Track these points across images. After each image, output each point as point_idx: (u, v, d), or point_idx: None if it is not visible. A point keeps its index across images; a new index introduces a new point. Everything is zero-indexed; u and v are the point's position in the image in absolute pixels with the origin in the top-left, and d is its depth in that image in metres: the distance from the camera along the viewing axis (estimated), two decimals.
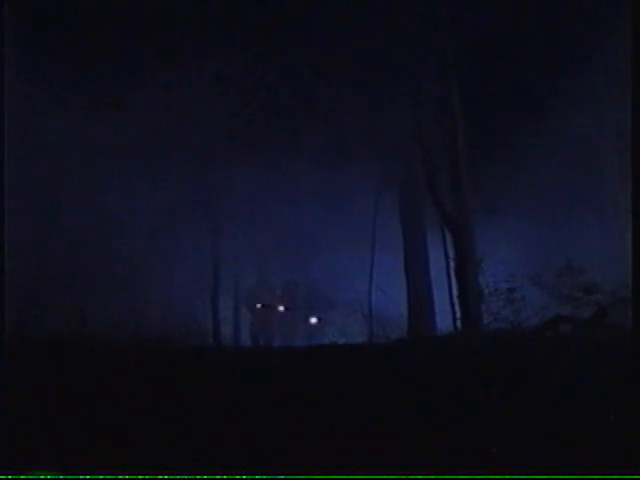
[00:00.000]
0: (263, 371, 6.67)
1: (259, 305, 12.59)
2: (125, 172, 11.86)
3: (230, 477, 4.13)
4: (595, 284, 10.21)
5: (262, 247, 12.69)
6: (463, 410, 5.05)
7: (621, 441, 4.39)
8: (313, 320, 12.28)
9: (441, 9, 10.40)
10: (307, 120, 12.28)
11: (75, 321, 10.56)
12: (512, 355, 6.66)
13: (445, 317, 11.72)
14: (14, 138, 7.22)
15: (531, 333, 8.33)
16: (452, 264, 10.73)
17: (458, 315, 10.70)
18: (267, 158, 12.48)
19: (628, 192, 5.90)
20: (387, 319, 12.70)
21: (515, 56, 11.09)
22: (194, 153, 12.47)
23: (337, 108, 12.15)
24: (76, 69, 11.20)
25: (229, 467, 4.21)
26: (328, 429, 4.81)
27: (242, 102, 12.12)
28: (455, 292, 10.75)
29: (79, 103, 11.11)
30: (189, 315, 12.26)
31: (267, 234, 12.75)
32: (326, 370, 6.51)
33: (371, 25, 10.89)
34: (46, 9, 11.17)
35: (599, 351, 6.33)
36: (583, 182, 11.89)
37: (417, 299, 12.03)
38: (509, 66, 11.23)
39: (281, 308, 12.51)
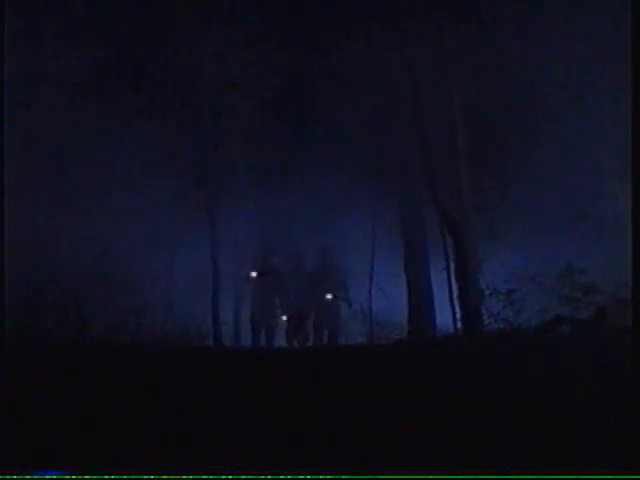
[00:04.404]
0: (262, 371, 6.68)
1: (253, 274, 11.98)
2: (126, 172, 11.87)
3: (230, 477, 4.13)
4: (595, 285, 10.21)
5: (259, 246, 12.63)
6: (462, 411, 5.05)
7: (621, 442, 4.39)
8: (328, 296, 11.90)
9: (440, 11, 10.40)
10: (308, 120, 12.29)
11: (75, 322, 10.57)
12: (512, 356, 6.67)
13: (445, 318, 11.72)
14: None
15: (531, 334, 8.34)
16: (452, 265, 10.73)
17: (458, 316, 10.70)
18: (267, 156, 12.50)
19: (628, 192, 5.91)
20: (387, 319, 12.69)
21: (515, 56, 11.11)
22: (195, 154, 12.49)
23: (337, 108, 12.16)
24: None
25: (229, 467, 4.21)
26: (327, 430, 4.81)
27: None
28: (455, 293, 10.75)
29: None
30: (189, 315, 12.25)
31: (266, 234, 12.77)
32: (326, 370, 6.52)
33: (370, 25, 10.89)
34: None
35: (599, 352, 6.34)
36: (584, 182, 11.89)
37: (417, 300, 12.03)
38: (509, 65, 11.24)
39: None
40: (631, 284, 5.49)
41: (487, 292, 10.75)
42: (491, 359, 6.60)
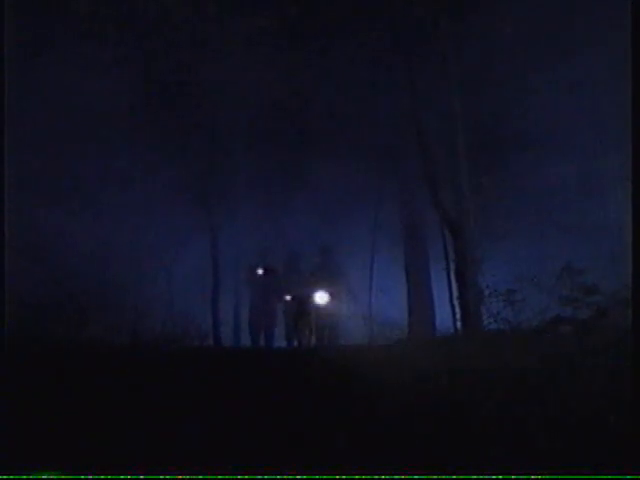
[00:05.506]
0: (262, 371, 6.68)
1: (260, 271, 11.86)
2: (126, 172, 11.88)
3: (230, 477, 4.13)
4: (595, 285, 10.19)
5: (259, 246, 12.63)
6: (462, 411, 5.04)
7: (621, 442, 4.39)
8: (318, 297, 11.79)
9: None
10: (309, 120, 12.31)
11: (75, 322, 10.57)
12: (512, 356, 6.66)
13: (445, 318, 11.73)
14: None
15: (531, 334, 8.32)
16: (452, 265, 10.73)
17: (458, 316, 10.71)
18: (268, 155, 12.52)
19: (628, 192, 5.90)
20: (387, 319, 12.69)
21: (515, 55, 11.12)
22: (196, 154, 12.50)
23: (337, 109, 12.17)
24: None
25: (229, 468, 4.21)
26: (327, 430, 4.81)
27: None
28: (455, 293, 10.75)
29: None
30: (189, 315, 12.24)
31: (266, 234, 12.78)
32: (326, 370, 6.51)
33: (369, 22, 10.91)
34: None
35: (599, 352, 6.33)
36: (584, 182, 11.90)
37: (417, 300, 12.03)
38: (509, 62, 11.26)
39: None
40: (631, 284, 5.48)
41: (487, 292, 10.74)
42: (491, 359, 6.59)
